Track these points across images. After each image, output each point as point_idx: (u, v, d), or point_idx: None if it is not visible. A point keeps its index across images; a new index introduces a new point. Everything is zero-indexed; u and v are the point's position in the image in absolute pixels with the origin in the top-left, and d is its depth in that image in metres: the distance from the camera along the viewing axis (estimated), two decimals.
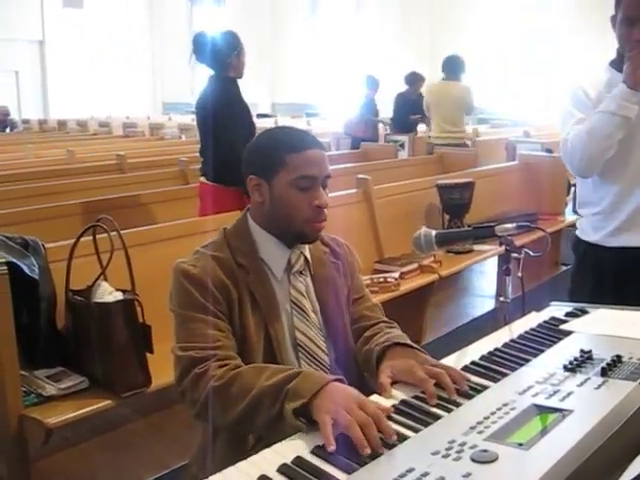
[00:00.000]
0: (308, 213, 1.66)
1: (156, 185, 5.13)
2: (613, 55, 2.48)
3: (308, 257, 1.76)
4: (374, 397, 1.40)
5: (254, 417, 1.41)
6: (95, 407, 2.36)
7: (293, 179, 1.64)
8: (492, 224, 1.71)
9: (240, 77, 4.14)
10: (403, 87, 8.60)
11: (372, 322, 1.80)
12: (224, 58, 4.04)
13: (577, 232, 2.61)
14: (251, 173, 1.72)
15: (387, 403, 1.36)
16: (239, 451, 1.45)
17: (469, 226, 4.48)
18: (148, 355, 2.49)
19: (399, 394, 1.41)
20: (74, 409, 2.32)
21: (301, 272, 1.74)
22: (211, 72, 4.11)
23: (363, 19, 16.13)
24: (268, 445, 1.21)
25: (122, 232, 2.58)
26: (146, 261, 2.82)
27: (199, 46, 4.11)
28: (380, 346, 1.62)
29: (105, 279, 2.53)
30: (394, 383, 1.46)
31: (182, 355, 1.54)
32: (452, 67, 7.00)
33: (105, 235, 2.53)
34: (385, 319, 1.84)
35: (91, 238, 2.60)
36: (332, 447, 1.16)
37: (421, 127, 8.97)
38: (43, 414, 2.27)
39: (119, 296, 2.46)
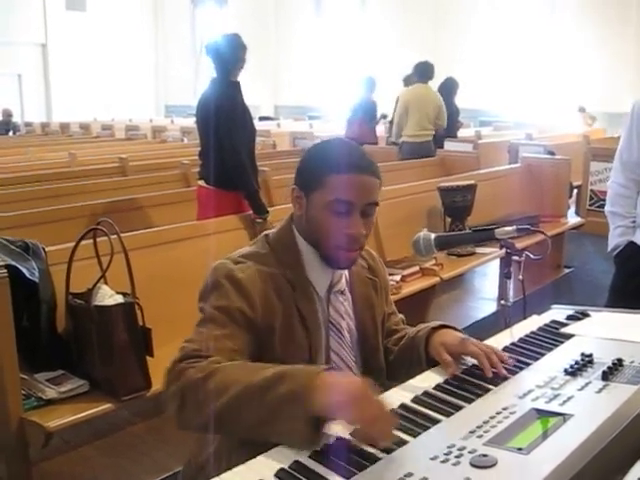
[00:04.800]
0: (340, 240, 1.55)
1: (158, 188, 5.13)
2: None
3: (347, 276, 1.70)
4: None
5: (233, 419, 1.28)
6: (95, 410, 2.36)
7: (329, 201, 1.54)
8: (492, 227, 1.70)
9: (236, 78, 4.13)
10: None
11: (401, 334, 1.79)
12: (232, 62, 4.02)
13: (635, 239, 2.57)
14: (295, 183, 1.64)
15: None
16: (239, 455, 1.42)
17: (470, 229, 4.50)
18: (148, 358, 2.48)
19: (399, 397, 1.40)
20: (74, 412, 2.31)
21: (341, 292, 1.67)
22: (213, 74, 4.09)
23: (366, 21, 16.14)
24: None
25: (122, 235, 2.58)
26: (146, 264, 2.82)
27: (210, 50, 4.09)
28: (426, 329, 1.65)
29: (105, 282, 2.53)
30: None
31: (182, 346, 1.44)
32: (424, 72, 7.38)
33: (105, 238, 2.53)
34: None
35: (91, 241, 2.60)
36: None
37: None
38: (43, 417, 2.27)
39: (119, 299, 2.46)
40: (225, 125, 3.85)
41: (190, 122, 13.64)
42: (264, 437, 1.24)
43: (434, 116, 7.27)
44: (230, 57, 3.99)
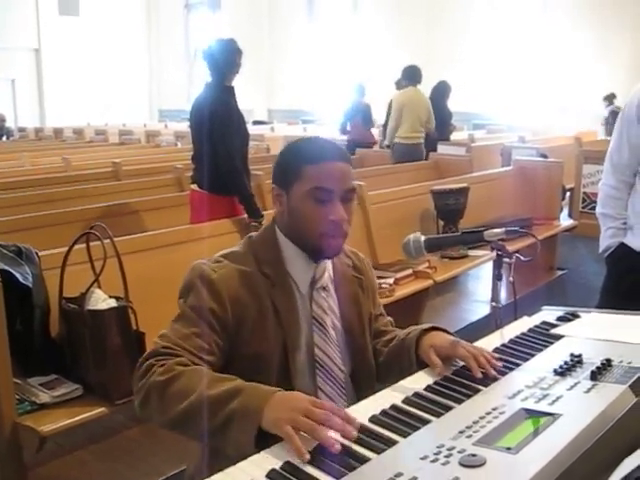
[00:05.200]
0: (323, 227, 1.60)
1: (151, 192, 5.13)
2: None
3: (331, 272, 1.73)
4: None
5: (190, 423, 1.36)
6: (89, 414, 2.36)
7: (308, 190, 1.59)
8: (482, 229, 1.72)
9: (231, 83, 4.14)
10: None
11: (391, 336, 1.81)
12: (227, 67, 4.03)
13: (626, 241, 2.58)
14: (273, 182, 1.69)
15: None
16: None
17: (462, 232, 4.52)
18: None
19: (390, 398, 1.41)
20: (68, 416, 2.32)
21: (324, 288, 1.70)
22: (208, 79, 4.09)
23: (359, 25, 16.17)
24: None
25: (115, 239, 2.59)
26: (139, 268, 2.83)
27: (206, 55, 4.09)
28: (415, 332, 1.66)
29: (99, 286, 2.53)
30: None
31: (154, 342, 1.52)
32: (413, 76, 7.56)
33: (98, 243, 2.53)
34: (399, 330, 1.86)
35: (84, 246, 2.61)
36: (306, 457, 1.15)
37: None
38: (37, 422, 2.27)
39: (112, 303, 2.47)
40: (219, 130, 3.86)
41: (184, 126, 13.63)
42: (215, 443, 1.34)
43: (425, 119, 7.41)
44: (225, 62, 4.00)
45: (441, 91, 8.96)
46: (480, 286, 5.85)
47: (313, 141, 1.73)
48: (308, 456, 1.15)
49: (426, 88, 9.19)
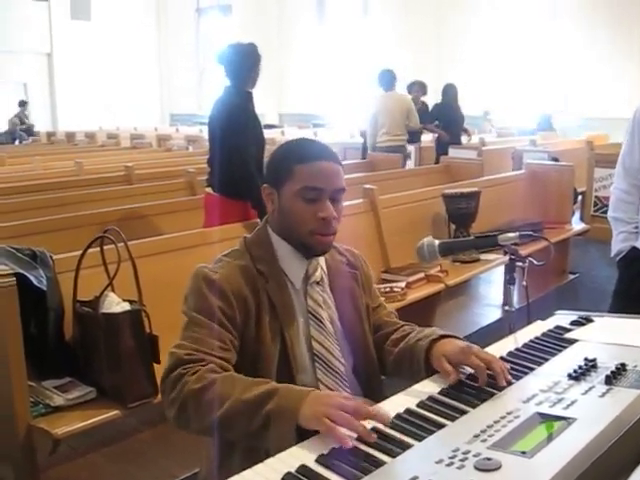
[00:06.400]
0: (313, 225, 1.65)
1: (163, 196, 5.15)
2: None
3: (324, 268, 1.77)
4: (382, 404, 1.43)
5: (228, 428, 1.41)
6: (103, 417, 2.37)
7: (298, 189, 1.65)
8: (495, 233, 1.72)
9: (253, 88, 4.14)
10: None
11: (395, 327, 1.84)
12: (248, 72, 4.03)
13: (638, 245, 2.58)
14: (265, 182, 1.75)
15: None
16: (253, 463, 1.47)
17: (474, 236, 4.51)
18: (155, 365, 2.50)
19: (404, 402, 1.41)
20: (82, 419, 2.33)
21: (318, 283, 1.74)
22: (227, 83, 4.09)
23: (369, 29, 16.18)
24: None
25: (129, 243, 2.60)
26: (153, 272, 2.84)
27: (224, 58, 4.09)
28: (426, 339, 1.66)
29: (112, 290, 2.55)
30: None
31: (173, 352, 1.54)
32: (387, 80, 7.66)
33: (112, 246, 2.55)
34: (404, 322, 1.87)
35: (98, 249, 2.62)
36: (350, 443, 1.20)
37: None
38: (51, 424, 2.28)
39: (126, 307, 2.48)
40: (235, 135, 3.87)
41: (195, 131, 13.72)
42: (255, 443, 1.39)
43: (403, 121, 7.59)
44: (245, 66, 4.00)
45: (451, 94, 8.99)
46: (491, 290, 5.84)
47: (304, 141, 1.79)
48: (351, 443, 1.20)
49: (434, 90, 9.21)
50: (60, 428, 2.26)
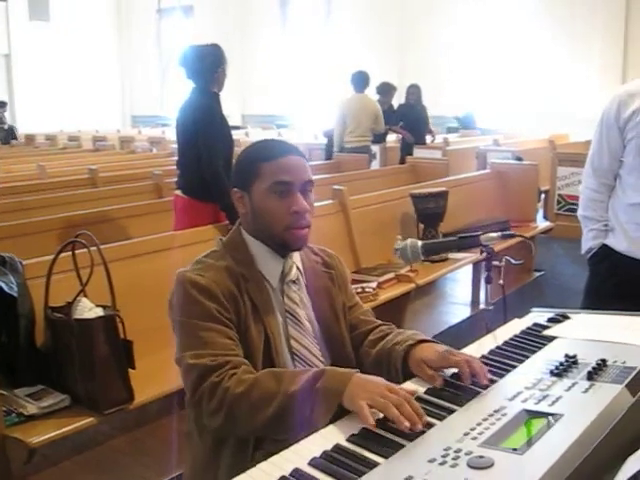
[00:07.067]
0: (287, 220, 1.67)
1: (130, 199, 5.09)
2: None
3: (300, 268, 1.79)
4: None
5: (281, 422, 1.43)
6: (77, 425, 2.33)
7: (268, 186, 1.67)
8: (478, 233, 1.74)
9: (220, 91, 4.12)
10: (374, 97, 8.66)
11: (372, 326, 1.86)
12: (212, 72, 4.01)
13: (607, 242, 2.62)
14: (234, 186, 1.76)
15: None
16: (242, 460, 1.49)
17: (444, 235, 4.55)
18: (130, 371, 2.47)
19: None
20: (56, 428, 2.29)
21: (294, 282, 1.76)
22: (193, 85, 4.06)
23: (332, 30, 16.20)
24: (267, 454, 1.24)
25: (101, 247, 2.56)
26: (125, 276, 2.81)
27: (187, 60, 4.06)
28: (404, 345, 1.67)
29: (85, 295, 2.51)
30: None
31: (196, 363, 1.54)
32: (360, 82, 7.80)
33: (84, 250, 2.51)
34: (381, 322, 1.88)
35: (67, 254, 2.58)
36: (372, 422, 1.28)
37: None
38: (25, 433, 2.24)
39: (100, 312, 2.44)
40: (203, 136, 3.85)
41: (158, 132, 13.59)
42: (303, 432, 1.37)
43: (371, 124, 7.73)
44: (207, 68, 3.98)
45: (415, 95, 9.06)
46: (458, 289, 5.90)
47: (266, 141, 1.82)
48: (373, 422, 1.29)
49: (401, 92, 9.27)
50: (35, 437, 2.22)
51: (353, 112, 7.65)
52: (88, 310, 2.45)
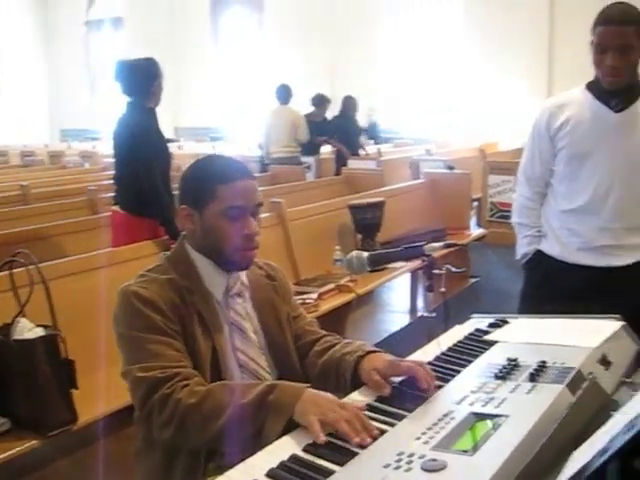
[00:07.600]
0: (238, 242, 1.71)
1: (64, 215, 4.99)
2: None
3: (245, 281, 1.82)
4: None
5: (232, 434, 1.43)
6: (20, 449, 2.29)
7: (223, 209, 1.69)
8: (421, 243, 1.79)
9: (157, 105, 4.09)
10: (308, 109, 8.73)
11: (317, 336, 1.89)
12: (147, 87, 3.98)
13: (541, 247, 2.70)
14: (182, 203, 1.77)
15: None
16: (194, 476, 1.50)
17: (382, 244, 4.61)
18: (73, 391, 2.42)
19: None
20: None
21: (239, 295, 1.79)
22: (128, 99, 4.02)
23: (265, 41, 16.23)
24: (220, 468, 1.27)
25: (40, 265, 2.51)
26: (65, 294, 2.76)
27: (121, 75, 4.01)
28: (354, 355, 1.70)
29: (24, 315, 2.45)
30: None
31: (144, 376, 1.54)
32: (284, 94, 8.19)
33: (20, 270, 2.46)
34: (326, 332, 1.92)
35: (4, 273, 2.52)
36: (323, 439, 1.30)
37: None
38: None
39: (40, 332, 2.40)
40: (139, 151, 3.82)
41: (88, 146, 13.32)
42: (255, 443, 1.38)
43: (292, 134, 8.02)
44: (141, 82, 3.95)
45: (350, 106, 9.16)
46: (395, 297, 5.98)
47: (220, 160, 1.84)
48: (324, 438, 1.30)
49: (335, 103, 9.35)
50: None
51: (276, 123, 7.98)
52: (28, 330, 2.40)
